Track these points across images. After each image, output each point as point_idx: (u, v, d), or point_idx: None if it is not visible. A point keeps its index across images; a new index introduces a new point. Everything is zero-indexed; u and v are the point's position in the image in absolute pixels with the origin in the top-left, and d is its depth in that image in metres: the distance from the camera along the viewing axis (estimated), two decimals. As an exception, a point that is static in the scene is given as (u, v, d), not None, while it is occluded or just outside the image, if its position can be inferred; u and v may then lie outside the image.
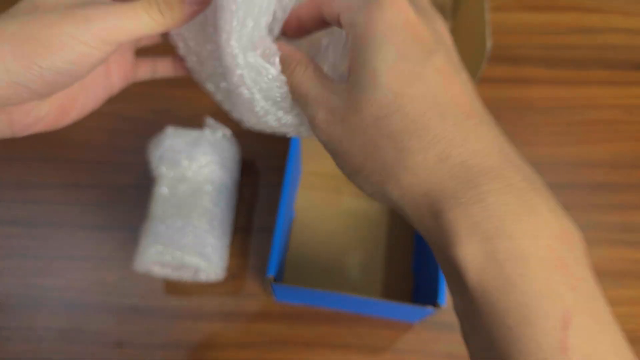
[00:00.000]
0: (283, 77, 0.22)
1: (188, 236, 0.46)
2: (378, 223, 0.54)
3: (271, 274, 0.44)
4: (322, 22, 0.23)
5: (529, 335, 0.16)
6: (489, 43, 0.40)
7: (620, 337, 0.16)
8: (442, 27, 0.21)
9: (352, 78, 0.20)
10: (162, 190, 0.48)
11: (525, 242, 0.16)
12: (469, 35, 0.50)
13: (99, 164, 0.57)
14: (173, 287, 0.51)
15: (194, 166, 0.48)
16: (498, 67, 0.64)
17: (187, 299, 0.51)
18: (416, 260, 0.52)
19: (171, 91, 0.60)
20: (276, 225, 0.46)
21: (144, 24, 0.22)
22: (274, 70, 0.22)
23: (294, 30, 0.24)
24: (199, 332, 0.50)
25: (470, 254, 0.17)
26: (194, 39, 0.26)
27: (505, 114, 0.61)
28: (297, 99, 0.22)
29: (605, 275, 0.53)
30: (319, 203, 0.55)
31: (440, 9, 0.62)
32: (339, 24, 0.21)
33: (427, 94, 0.18)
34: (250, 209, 0.55)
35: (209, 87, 0.28)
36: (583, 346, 0.16)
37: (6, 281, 0.51)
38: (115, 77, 0.28)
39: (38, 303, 0.50)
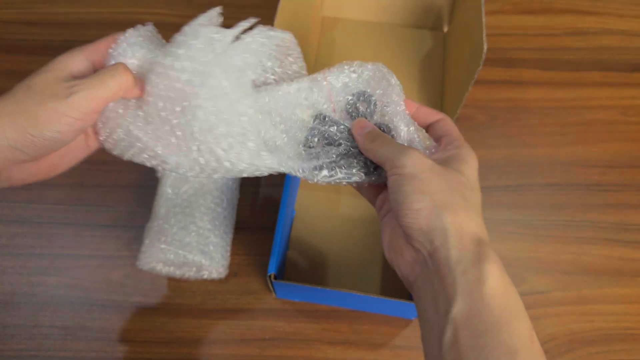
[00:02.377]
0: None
1: (191, 235, 0.47)
2: (376, 221, 0.55)
3: (272, 272, 0.45)
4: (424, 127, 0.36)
5: (516, 326, 0.26)
6: (485, 46, 0.41)
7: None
8: None
9: (447, 163, 0.31)
10: (166, 190, 0.49)
11: (511, 281, 0.28)
12: (466, 38, 0.51)
13: (103, 164, 0.58)
14: (176, 285, 0.52)
15: None
16: (494, 70, 0.65)
17: (190, 296, 0.52)
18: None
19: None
20: (277, 224, 0.47)
21: (111, 90, 0.29)
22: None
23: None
24: (202, 329, 0.51)
25: (495, 271, 0.27)
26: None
27: (502, 116, 0.62)
28: (387, 146, 0.32)
29: (601, 274, 0.54)
30: (319, 202, 0.56)
31: (438, 12, 0.63)
32: (437, 139, 0.35)
33: (479, 200, 0.31)
34: (251, 208, 0.56)
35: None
36: (538, 343, 0.26)
37: (11, 279, 0.52)
38: (93, 142, 0.34)
39: (42, 301, 0.51)
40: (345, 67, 0.35)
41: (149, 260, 0.47)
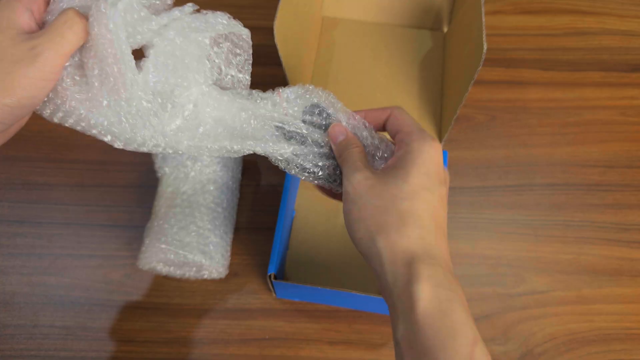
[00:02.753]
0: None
1: (191, 235, 0.47)
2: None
3: (272, 272, 0.45)
4: (382, 128, 0.35)
5: (452, 346, 0.25)
6: (485, 46, 0.41)
7: None
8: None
9: (393, 170, 0.30)
10: (166, 189, 0.49)
11: (454, 295, 0.27)
12: (466, 38, 0.51)
13: (103, 164, 0.58)
14: (176, 285, 0.52)
15: (196, 166, 0.49)
16: (494, 70, 0.65)
17: (190, 296, 0.52)
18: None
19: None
20: (277, 224, 0.47)
21: (71, 43, 0.29)
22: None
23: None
24: (202, 329, 0.51)
25: (425, 290, 0.26)
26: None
27: (501, 116, 0.62)
28: (345, 164, 0.32)
29: (600, 274, 0.54)
30: (319, 202, 0.56)
31: (438, 12, 0.63)
32: (393, 137, 0.34)
33: (430, 203, 0.29)
34: (252, 208, 0.56)
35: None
36: (483, 358, 0.25)
37: (11, 279, 0.52)
38: None
39: (43, 301, 0.51)
40: (290, 89, 0.36)
41: (149, 260, 0.47)
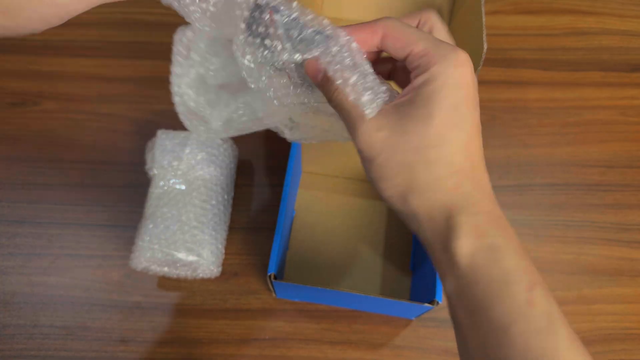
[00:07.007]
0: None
1: (177, 233, 0.47)
2: (377, 222, 0.55)
3: (272, 272, 0.45)
4: (375, 54, 0.28)
5: (506, 294, 0.23)
6: (485, 46, 0.41)
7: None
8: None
9: (409, 109, 0.25)
10: (155, 190, 0.50)
11: (502, 241, 0.24)
12: (466, 37, 0.51)
13: (102, 164, 0.58)
14: (176, 285, 0.52)
15: (183, 166, 0.50)
16: (494, 70, 0.65)
17: (191, 296, 0.52)
18: (414, 258, 0.53)
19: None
20: (277, 224, 0.47)
21: None
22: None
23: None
24: (202, 329, 0.51)
25: (466, 245, 0.24)
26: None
27: (501, 116, 0.62)
28: (341, 111, 0.26)
29: (600, 274, 0.54)
30: (319, 202, 0.56)
31: (438, 12, 0.63)
32: (403, 60, 0.26)
33: (462, 141, 0.24)
34: (251, 208, 0.56)
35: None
36: (543, 303, 0.23)
37: (11, 279, 0.52)
38: None
39: (42, 301, 0.51)
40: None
41: (140, 260, 0.47)
